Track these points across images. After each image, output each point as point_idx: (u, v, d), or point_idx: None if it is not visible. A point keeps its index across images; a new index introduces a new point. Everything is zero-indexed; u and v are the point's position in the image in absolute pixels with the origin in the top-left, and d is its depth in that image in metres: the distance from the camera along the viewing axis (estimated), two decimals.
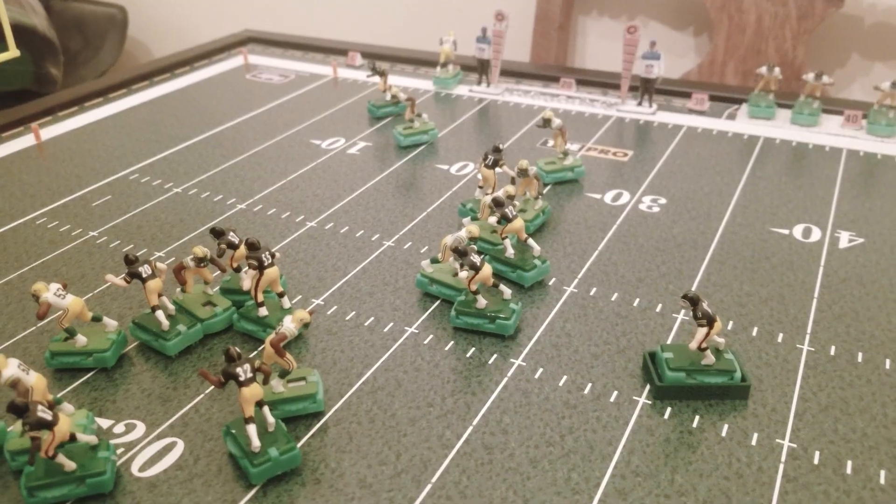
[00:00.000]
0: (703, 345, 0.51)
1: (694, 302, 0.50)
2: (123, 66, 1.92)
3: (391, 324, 0.60)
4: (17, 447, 0.46)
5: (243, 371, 0.45)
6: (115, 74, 1.18)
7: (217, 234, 0.61)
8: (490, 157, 0.73)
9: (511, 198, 0.65)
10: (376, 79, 1.03)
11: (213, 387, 0.52)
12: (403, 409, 0.51)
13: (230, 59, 1.29)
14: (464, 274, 0.57)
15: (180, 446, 0.49)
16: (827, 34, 1.23)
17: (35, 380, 0.46)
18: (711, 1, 1.25)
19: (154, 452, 0.48)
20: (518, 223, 0.63)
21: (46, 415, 0.43)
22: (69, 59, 1.80)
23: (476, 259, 0.57)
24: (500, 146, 0.73)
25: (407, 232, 0.73)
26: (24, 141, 0.97)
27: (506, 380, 0.54)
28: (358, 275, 0.67)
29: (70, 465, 0.44)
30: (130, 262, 0.56)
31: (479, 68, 1.10)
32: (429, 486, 0.45)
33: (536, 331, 0.59)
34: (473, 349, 0.57)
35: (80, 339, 0.55)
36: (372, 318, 0.61)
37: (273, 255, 0.57)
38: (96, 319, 0.56)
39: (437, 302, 0.63)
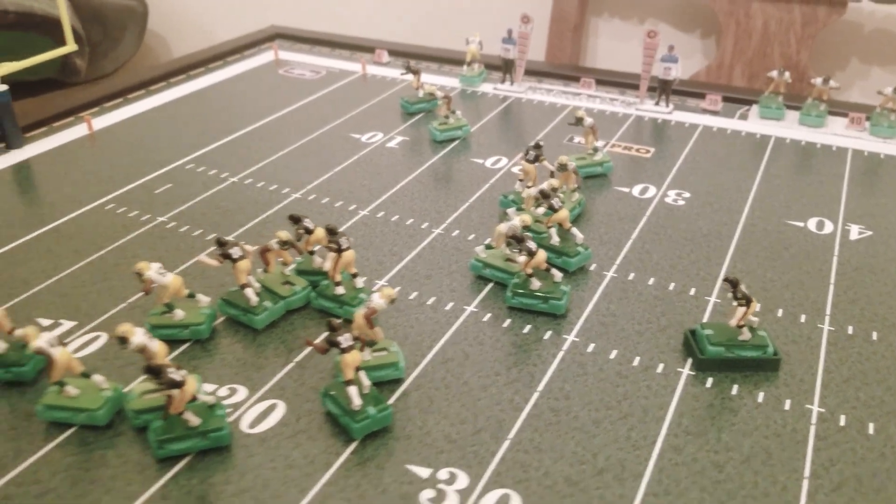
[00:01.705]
0: (741, 322, 0.57)
1: (734, 284, 0.57)
2: (143, 59, 1.96)
3: (451, 303, 0.66)
4: (140, 406, 0.52)
5: (345, 339, 0.51)
6: (153, 68, 1.23)
7: (295, 219, 0.67)
8: (531, 152, 0.79)
9: (555, 190, 0.72)
10: (409, 77, 1.09)
11: (304, 354, 0.58)
12: (474, 378, 0.58)
13: (260, 54, 1.34)
14: (522, 258, 0.63)
15: (281, 407, 0.55)
16: (829, 39, 1.31)
17: (158, 346, 0.52)
18: (720, 6, 1.31)
19: (258, 413, 0.54)
20: (563, 213, 0.70)
21: (177, 376, 0.49)
22: (89, 51, 1.84)
23: (532, 245, 0.63)
24: (541, 143, 0.80)
25: (453, 221, 0.80)
26: (78, 131, 1.02)
27: (562, 353, 0.60)
28: (414, 259, 0.73)
29: (195, 420, 0.50)
30: (222, 244, 0.62)
31: (503, 67, 1.16)
32: (507, 442, 0.52)
33: (584, 311, 0.65)
34: (529, 326, 0.63)
35: (178, 313, 0.61)
36: (434, 298, 0.67)
37: (349, 240, 0.63)
38: (191, 296, 0.62)
39: (490, 284, 0.69)
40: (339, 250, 0.63)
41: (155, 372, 0.48)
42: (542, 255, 0.63)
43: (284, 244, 0.64)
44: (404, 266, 0.72)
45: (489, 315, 0.65)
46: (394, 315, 0.64)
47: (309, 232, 0.67)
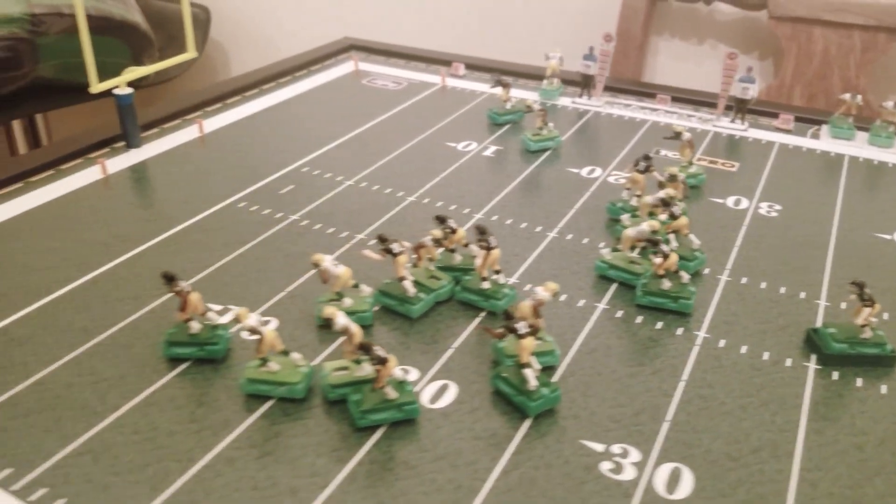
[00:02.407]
0: (865, 322, 0.63)
1: (861, 286, 0.63)
2: (204, 66, 2.03)
3: (583, 301, 0.72)
4: (336, 381, 0.58)
5: (522, 326, 0.57)
6: (244, 77, 1.29)
7: (441, 220, 0.73)
8: (642, 163, 0.85)
9: (672, 199, 0.78)
10: (498, 89, 1.15)
11: (460, 340, 0.64)
12: (620, 367, 0.64)
13: (338, 65, 1.40)
14: (658, 260, 0.69)
15: (453, 386, 0.61)
16: (889, 64, 1.37)
17: (356, 329, 0.58)
18: (782, 30, 1.38)
19: (434, 391, 0.60)
20: (683, 220, 0.76)
21: (382, 353, 0.55)
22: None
23: (666, 248, 0.69)
24: (650, 154, 0.86)
25: (565, 225, 0.86)
26: (189, 133, 1.08)
27: (697, 347, 0.66)
28: (537, 260, 0.79)
29: (394, 394, 0.56)
30: (384, 240, 0.68)
31: (582, 82, 1.23)
32: (666, 423, 0.58)
33: (707, 310, 0.71)
34: (661, 323, 0.69)
35: (347, 301, 0.67)
36: (565, 296, 0.73)
37: (496, 239, 0.69)
38: (355, 286, 0.68)
39: (614, 285, 0.75)
40: (489, 248, 0.69)
41: (366, 349, 0.54)
42: (674, 257, 0.69)
43: (437, 242, 0.70)
44: (530, 266, 0.78)
45: (621, 312, 0.71)
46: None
47: (453, 231, 0.73)
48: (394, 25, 1.79)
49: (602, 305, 0.72)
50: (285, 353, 0.59)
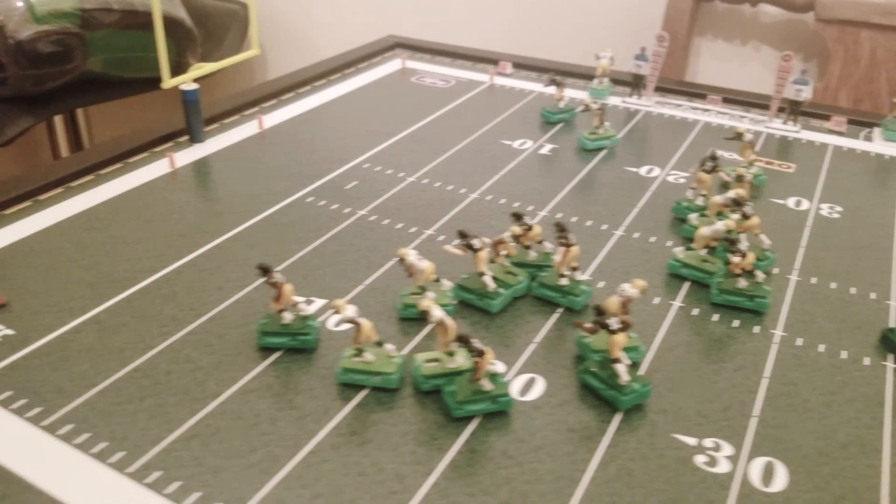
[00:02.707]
0: None
1: None
2: (242, 63, 2.04)
3: (658, 298, 0.73)
4: (430, 372, 0.59)
5: (614, 322, 0.58)
6: (295, 74, 1.31)
7: (517, 216, 0.74)
8: (708, 163, 0.86)
9: (743, 199, 0.79)
10: (551, 88, 1.17)
11: (542, 335, 0.65)
12: (703, 364, 0.65)
13: (384, 63, 1.42)
14: (736, 259, 0.70)
15: (540, 380, 0.62)
16: None
17: (451, 322, 0.59)
18: (829, 33, 1.39)
19: (522, 384, 0.62)
20: (755, 220, 0.77)
21: (480, 346, 0.56)
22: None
23: (744, 247, 0.70)
24: (716, 154, 0.87)
25: (630, 224, 0.87)
26: (248, 128, 1.10)
27: (775, 346, 0.67)
28: (607, 258, 0.80)
29: (489, 386, 0.57)
30: (464, 235, 0.69)
31: (633, 82, 1.24)
32: (754, 419, 0.59)
33: (781, 309, 0.72)
34: (738, 321, 0.70)
35: (429, 295, 0.68)
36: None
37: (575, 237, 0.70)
38: (436, 281, 0.69)
39: (687, 283, 0.76)
40: (568, 245, 0.70)
41: (465, 341, 0.56)
42: (751, 256, 0.70)
43: (516, 238, 0.72)
44: (600, 264, 0.79)
45: (697, 310, 0.72)
46: None
47: (529, 228, 0.74)
48: (435, 23, 1.80)
49: (677, 303, 0.73)
50: (379, 343, 0.60)
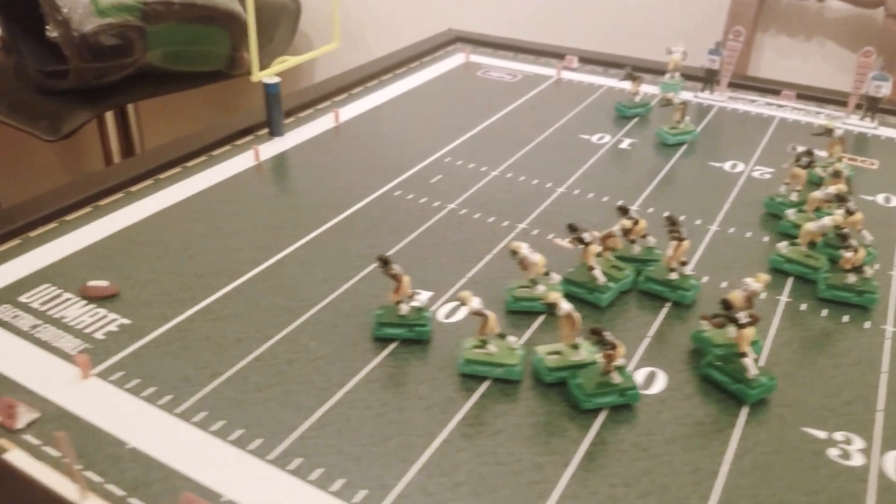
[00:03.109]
0: None
1: None
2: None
3: (764, 294, 0.73)
4: (554, 364, 0.59)
5: (743, 316, 0.58)
6: (365, 67, 1.31)
7: (623, 210, 0.74)
8: (804, 158, 0.85)
9: (846, 194, 0.78)
10: (627, 83, 1.16)
11: (654, 329, 0.65)
12: (820, 358, 0.64)
13: (447, 57, 1.42)
14: (848, 254, 0.69)
15: (661, 374, 0.62)
16: None
17: (577, 315, 0.59)
18: None
19: (644, 377, 0.61)
20: (858, 216, 0.76)
21: (613, 339, 0.56)
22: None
23: (854, 242, 0.70)
24: (812, 150, 0.86)
25: (724, 219, 0.86)
26: (324, 122, 1.10)
27: (888, 341, 0.67)
28: (706, 253, 0.80)
29: (618, 379, 0.57)
30: (574, 229, 0.69)
31: (705, 77, 1.23)
32: (880, 413, 0.58)
33: (888, 305, 0.72)
34: (846, 317, 0.70)
35: (540, 288, 0.68)
36: (726, 283, 0.74)
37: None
38: (545, 274, 0.69)
39: (790, 278, 0.76)
40: (681, 239, 0.70)
41: (598, 333, 0.56)
42: (862, 252, 0.70)
43: (626, 232, 0.71)
44: (701, 259, 0.79)
45: (804, 305, 0.71)
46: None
47: (635, 222, 0.74)
48: (491, 17, 1.79)
49: (784, 298, 0.72)
50: (502, 336, 0.60)
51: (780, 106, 1.19)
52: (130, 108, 2.13)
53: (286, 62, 1.00)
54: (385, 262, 0.63)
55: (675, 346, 0.65)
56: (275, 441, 0.54)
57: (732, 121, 1.15)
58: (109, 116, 2.12)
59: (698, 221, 0.86)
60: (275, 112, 1.03)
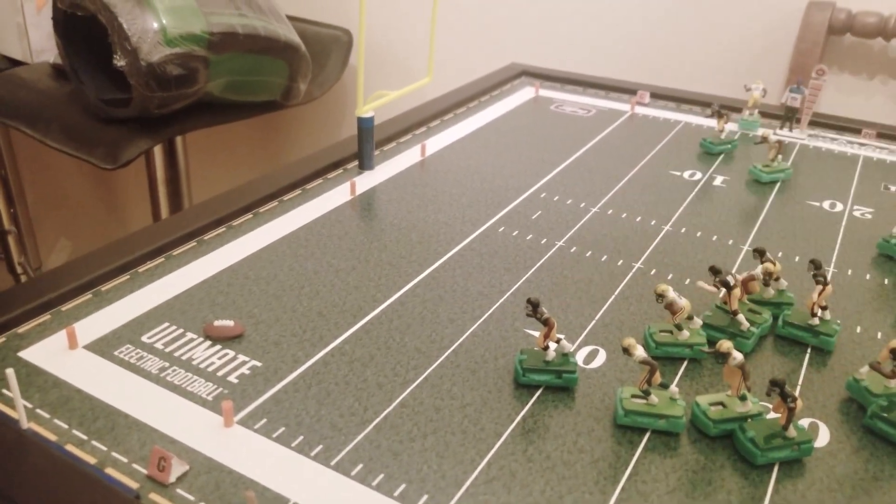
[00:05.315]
0: None
1: None
2: (341, 87, 2.05)
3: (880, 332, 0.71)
4: (718, 416, 0.57)
5: None
6: (439, 101, 1.30)
7: (760, 253, 0.72)
8: None
9: None
10: (713, 119, 1.15)
11: (804, 376, 0.63)
12: None
13: (516, 91, 1.41)
14: None
15: (823, 426, 0.59)
16: None
17: (748, 367, 0.57)
18: None
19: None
20: None
21: (793, 392, 0.54)
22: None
23: None
24: None
25: (838, 260, 0.84)
26: (410, 156, 1.09)
27: None
28: (834, 296, 0.78)
29: (793, 432, 0.55)
30: (717, 272, 0.67)
31: (784, 114, 1.22)
32: None
33: None
34: None
35: (684, 333, 0.66)
36: (881, 334, 0.71)
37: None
38: (689, 318, 0.67)
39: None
40: (825, 283, 0.67)
41: (779, 385, 0.53)
42: None
43: (768, 275, 0.69)
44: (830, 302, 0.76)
45: None
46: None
47: (773, 265, 0.72)
48: (550, 52, 1.79)
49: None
50: (664, 385, 0.58)
51: (861, 144, 1.17)
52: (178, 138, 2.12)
53: (384, 97, 0.99)
54: (535, 306, 0.61)
55: (829, 395, 0.63)
56: (443, 498, 0.51)
57: (817, 159, 1.13)
58: (157, 148, 2.11)
59: (797, 258, 0.84)
60: (367, 146, 1.02)
